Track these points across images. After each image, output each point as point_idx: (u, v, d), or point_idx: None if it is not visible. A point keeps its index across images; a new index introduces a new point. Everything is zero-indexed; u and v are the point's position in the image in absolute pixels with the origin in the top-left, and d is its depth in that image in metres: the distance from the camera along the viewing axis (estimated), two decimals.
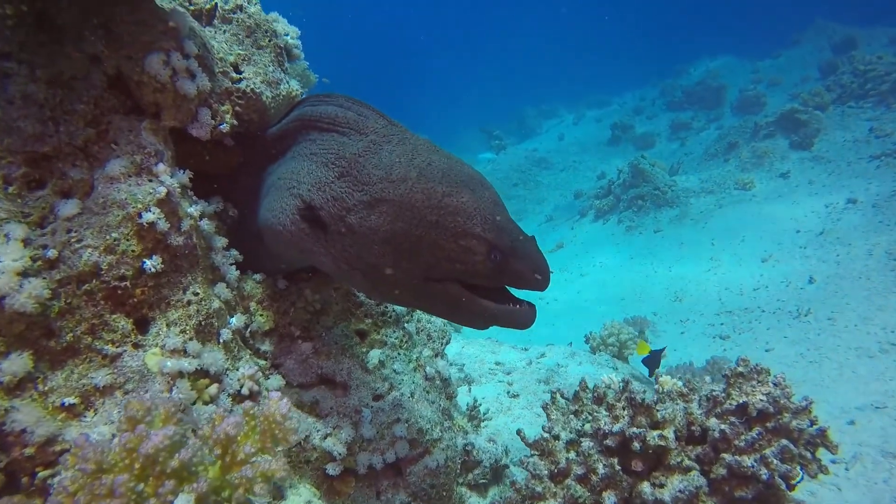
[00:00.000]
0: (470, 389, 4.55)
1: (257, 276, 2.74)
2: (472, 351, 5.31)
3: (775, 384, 2.06)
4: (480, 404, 3.96)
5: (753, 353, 7.72)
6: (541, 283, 1.80)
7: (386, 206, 1.88)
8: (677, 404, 2.13)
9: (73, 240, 1.81)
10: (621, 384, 2.38)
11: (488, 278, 1.82)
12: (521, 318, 1.84)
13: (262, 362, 2.67)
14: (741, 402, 2.02)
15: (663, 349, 5.83)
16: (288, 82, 2.81)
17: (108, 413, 1.79)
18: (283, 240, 2.26)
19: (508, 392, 4.59)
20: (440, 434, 2.86)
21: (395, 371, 2.93)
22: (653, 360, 5.68)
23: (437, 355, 3.29)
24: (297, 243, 2.20)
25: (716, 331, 8.61)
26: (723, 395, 2.10)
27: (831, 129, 14.04)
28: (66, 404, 1.73)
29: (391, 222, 1.85)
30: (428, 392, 3.04)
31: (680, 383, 2.28)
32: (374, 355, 2.93)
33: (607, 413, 2.14)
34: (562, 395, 2.65)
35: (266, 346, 2.72)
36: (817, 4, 25.31)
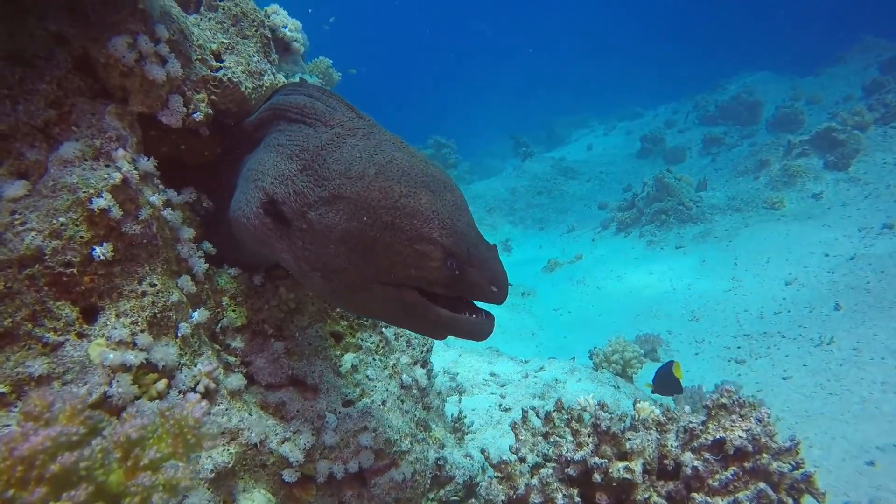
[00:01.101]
0: (460, 400, 4.41)
1: (232, 271, 2.67)
2: (468, 360, 5.17)
3: (758, 420, 1.88)
4: (466, 416, 3.83)
5: (770, 381, 7.39)
6: (496, 296, 1.68)
7: (343, 204, 1.78)
8: (650, 434, 1.97)
9: (16, 222, 1.75)
10: (596, 406, 2.23)
11: (444, 287, 1.70)
12: (478, 328, 1.72)
13: (232, 359, 2.60)
14: (719, 437, 1.85)
15: (671, 364, 5.51)
16: (273, 74, 2.73)
17: None
18: (248, 234, 2.18)
19: (500, 405, 4.44)
20: (409, 446, 2.74)
21: (367, 377, 2.83)
22: (666, 382, 5.34)
23: (416, 363, 3.18)
24: (260, 238, 2.12)
25: (732, 354, 8.28)
26: (700, 427, 1.94)
27: (871, 150, 13.47)
28: None
29: (347, 221, 1.75)
30: (402, 401, 2.92)
31: (657, 411, 2.12)
32: (348, 359, 2.84)
33: (572, 438, 2.00)
34: (536, 414, 2.51)
35: (237, 343, 2.64)
36: (866, 21, 24.50)
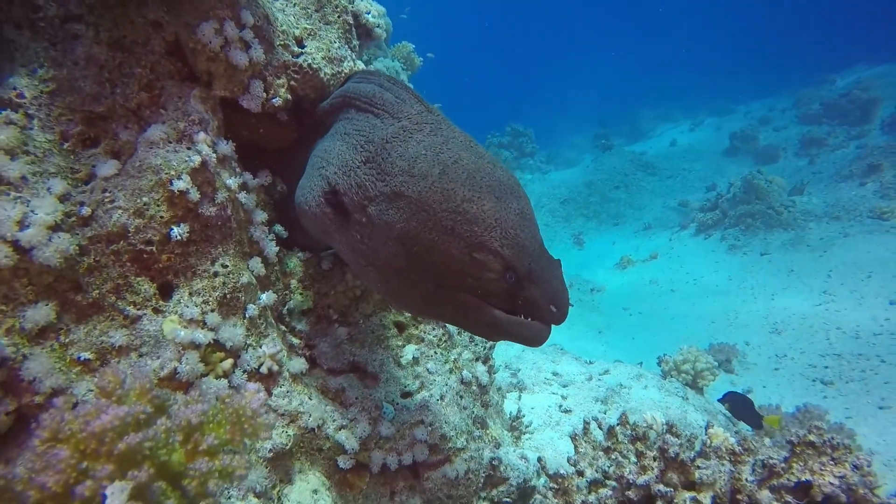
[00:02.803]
0: (520, 397, 4.34)
1: (301, 255, 2.72)
2: (531, 357, 5.06)
3: (855, 466, 1.68)
4: (524, 415, 3.75)
5: (862, 408, 6.76)
6: (555, 317, 1.58)
7: (403, 202, 1.73)
8: (723, 465, 1.81)
9: (106, 199, 1.84)
10: (665, 427, 2.09)
11: (501, 300, 1.63)
12: (535, 334, 1.63)
13: (296, 341, 2.65)
14: (804, 479, 1.67)
15: (748, 394, 5.14)
16: (353, 60, 2.73)
17: None
18: (309, 222, 2.19)
19: (561, 406, 4.32)
20: (465, 443, 2.70)
21: (427, 370, 2.81)
22: (743, 409, 4.98)
23: (477, 359, 3.13)
24: (320, 227, 2.12)
25: (818, 374, 7.65)
26: (783, 465, 1.76)
27: None
28: (83, 359, 1.77)
29: (406, 220, 1.70)
30: (461, 397, 2.89)
31: (733, 440, 1.95)
32: (409, 350, 2.83)
33: (636, 459, 1.88)
34: (599, 426, 2.40)
35: (302, 326, 2.70)
36: None
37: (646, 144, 22.92)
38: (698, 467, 1.82)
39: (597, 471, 2.06)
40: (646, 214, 17.30)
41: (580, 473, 2.09)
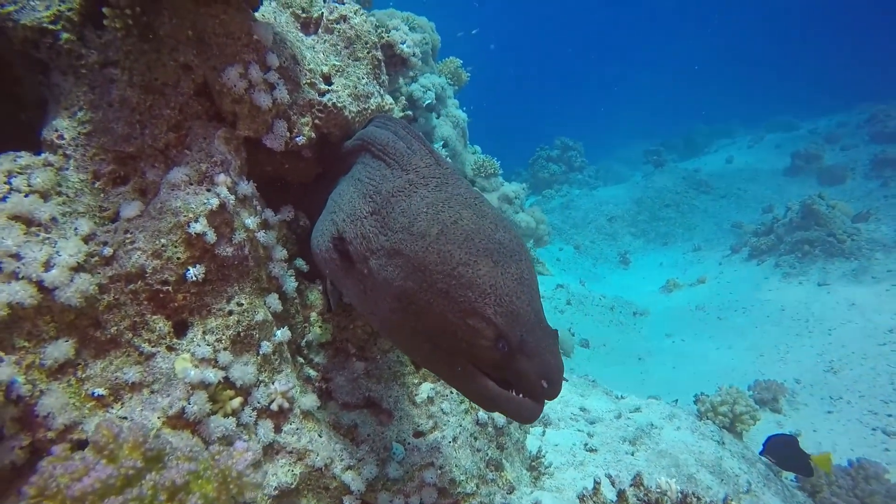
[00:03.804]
0: (544, 433, 4.23)
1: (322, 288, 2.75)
2: None
3: None
4: (546, 454, 3.66)
5: None
6: (546, 393, 1.51)
7: (401, 260, 1.71)
8: None
9: (127, 241, 1.91)
10: (679, 496, 1.99)
11: (493, 368, 1.57)
12: (523, 410, 1.56)
13: (314, 373, 2.68)
14: None
15: (795, 438, 4.81)
16: (381, 95, 2.75)
17: (131, 409, 1.88)
18: (321, 263, 2.21)
19: (586, 445, 4.18)
20: (475, 488, 2.65)
21: (442, 410, 2.77)
22: (788, 454, 4.63)
23: None
24: (330, 270, 2.13)
25: (879, 422, 7.10)
26: None
27: None
28: (97, 395, 1.84)
29: (403, 279, 1.68)
30: (475, 438, 2.84)
31: None
32: (425, 389, 2.80)
33: None
34: (612, 484, 2.30)
35: (320, 359, 2.72)
36: None
37: (700, 161, 22.13)
38: None
39: None
40: (696, 235, 16.68)
41: None
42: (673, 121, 28.79)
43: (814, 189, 14.97)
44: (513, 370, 1.53)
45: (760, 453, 4.62)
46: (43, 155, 1.97)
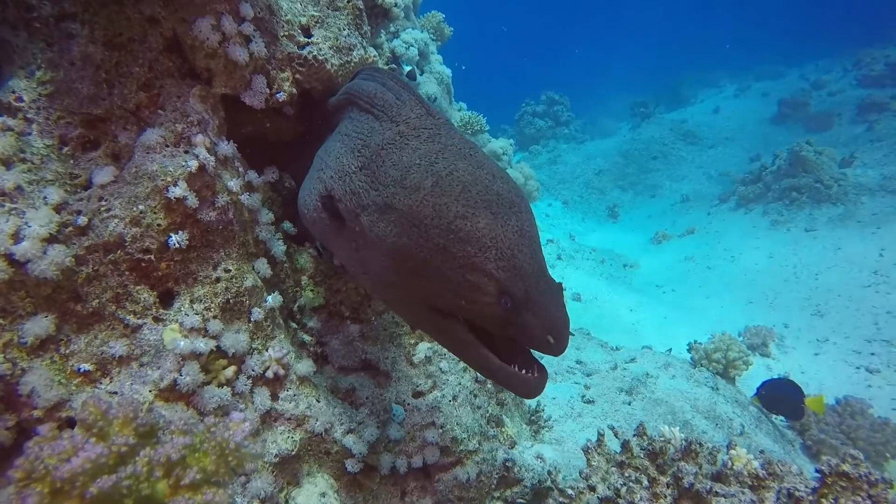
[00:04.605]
0: None
1: (312, 250, 2.66)
2: None
3: None
4: (544, 408, 3.68)
5: None
6: (553, 349, 1.46)
7: (394, 216, 1.63)
8: (744, 494, 1.70)
9: (102, 208, 1.80)
10: (683, 444, 1.98)
11: (495, 326, 1.51)
12: (526, 387, 1.51)
13: (308, 338, 2.62)
14: None
15: (793, 384, 4.84)
16: (364, 47, 2.60)
17: (121, 383, 1.81)
18: (309, 224, 2.13)
19: (583, 396, 4.22)
20: (477, 445, 2.65)
21: (440, 369, 2.75)
22: (780, 399, 4.68)
23: None
24: (319, 231, 2.05)
25: (863, 360, 7.29)
26: (810, 497, 1.64)
27: None
28: (83, 370, 1.77)
29: (397, 235, 1.60)
30: (475, 396, 2.82)
31: (756, 463, 1.83)
32: (422, 349, 2.77)
33: (648, 485, 1.78)
34: (615, 435, 2.30)
35: (314, 323, 2.66)
36: None
37: (687, 112, 21.93)
38: (715, 494, 1.71)
39: (609, 488, 1.98)
40: (684, 186, 16.67)
41: (592, 489, 2.01)
42: (659, 72, 28.31)
43: (801, 136, 14.94)
44: (517, 326, 1.47)
45: (757, 393, 4.68)
46: (0, 118, 1.83)
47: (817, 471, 1.71)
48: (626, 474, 1.99)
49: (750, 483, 1.80)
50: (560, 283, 1.57)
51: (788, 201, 11.80)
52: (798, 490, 1.66)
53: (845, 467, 1.65)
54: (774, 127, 18.31)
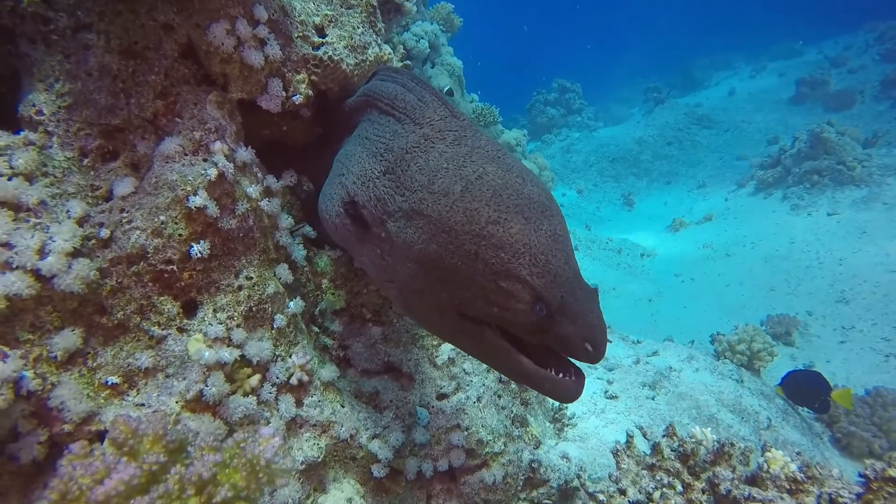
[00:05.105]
0: None
1: (332, 253, 2.64)
2: None
3: None
4: (567, 406, 3.64)
5: None
6: (591, 356, 1.42)
7: (423, 222, 1.59)
8: (782, 500, 1.65)
9: (124, 220, 1.79)
10: (716, 445, 1.94)
11: (530, 333, 1.48)
12: (563, 391, 1.48)
13: (329, 342, 2.61)
14: None
15: (818, 375, 4.71)
16: (379, 45, 2.56)
17: (147, 395, 1.81)
18: (330, 230, 2.09)
19: (606, 392, 4.17)
20: (503, 447, 2.62)
21: (464, 371, 2.72)
22: (806, 392, 4.55)
23: None
24: (341, 237, 2.02)
25: (892, 348, 7.13)
26: (854, 503, 1.58)
27: None
28: (110, 383, 1.76)
29: (426, 241, 1.56)
30: (499, 396, 2.79)
31: (794, 466, 1.78)
32: (445, 350, 2.74)
33: (682, 490, 1.74)
34: (644, 436, 2.26)
35: (335, 326, 2.64)
36: None
37: (701, 95, 21.59)
38: (753, 501, 1.67)
39: (640, 491, 1.94)
40: (700, 172, 16.44)
41: (622, 492, 1.97)
42: (671, 56, 27.83)
43: (820, 117, 14.62)
44: (553, 334, 1.44)
45: (781, 383, 4.58)
46: (22, 133, 1.82)
47: (861, 475, 1.65)
48: (658, 477, 1.95)
49: (788, 487, 1.74)
50: (595, 289, 1.53)
51: (809, 185, 11.56)
52: (842, 496, 1.61)
53: (892, 472, 1.59)
54: (792, 108, 17.95)
